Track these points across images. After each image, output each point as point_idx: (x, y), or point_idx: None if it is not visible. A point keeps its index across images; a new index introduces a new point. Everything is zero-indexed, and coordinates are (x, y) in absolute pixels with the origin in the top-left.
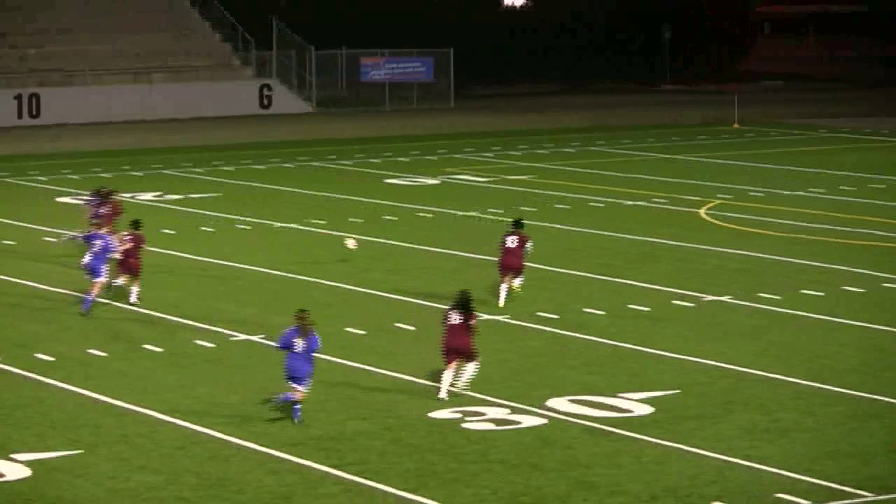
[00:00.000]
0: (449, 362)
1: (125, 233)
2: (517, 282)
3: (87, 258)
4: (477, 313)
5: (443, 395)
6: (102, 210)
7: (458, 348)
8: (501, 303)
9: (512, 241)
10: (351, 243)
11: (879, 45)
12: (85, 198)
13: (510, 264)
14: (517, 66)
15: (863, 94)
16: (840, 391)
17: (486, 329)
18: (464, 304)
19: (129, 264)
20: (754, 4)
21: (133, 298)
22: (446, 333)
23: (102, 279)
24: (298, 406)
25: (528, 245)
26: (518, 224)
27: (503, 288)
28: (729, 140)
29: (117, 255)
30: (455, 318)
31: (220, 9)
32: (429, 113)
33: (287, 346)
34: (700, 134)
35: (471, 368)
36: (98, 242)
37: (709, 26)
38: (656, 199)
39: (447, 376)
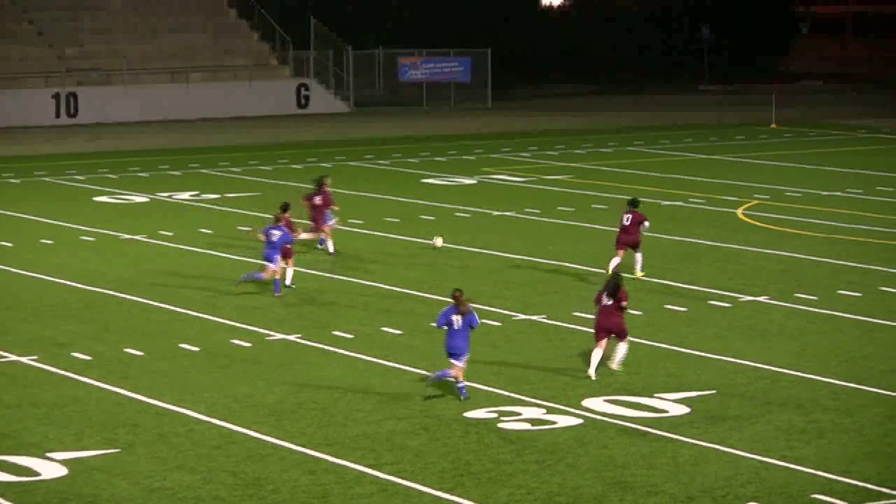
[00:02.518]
0: (598, 341)
1: (277, 218)
2: (638, 266)
3: (264, 249)
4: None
5: (591, 372)
6: (317, 199)
7: (609, 328)
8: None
9: (627, 219)
10: (438, 242)
11: None
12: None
13: (625, 241)
14: (554, 66)
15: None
16: (878, 392)
17: (523, 329)
18: (615, 286)
19: (284, 250)
20: (794, 4)
21: (288, 282)
22: (599, 314)
23: (275, 266)
24: (462, 384)
25: (646, 223)
26: (634, 203)
27: (614, 261)
28: (767, 140)
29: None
30: (607, 300)
31: (257, 8)
32: (466, 113)
33: (446, 324)
34: (738, 134)
35: (623, 348)
36: (276, 233)
37: (748, 26)
38: (694, 200)
39: (597, 354)
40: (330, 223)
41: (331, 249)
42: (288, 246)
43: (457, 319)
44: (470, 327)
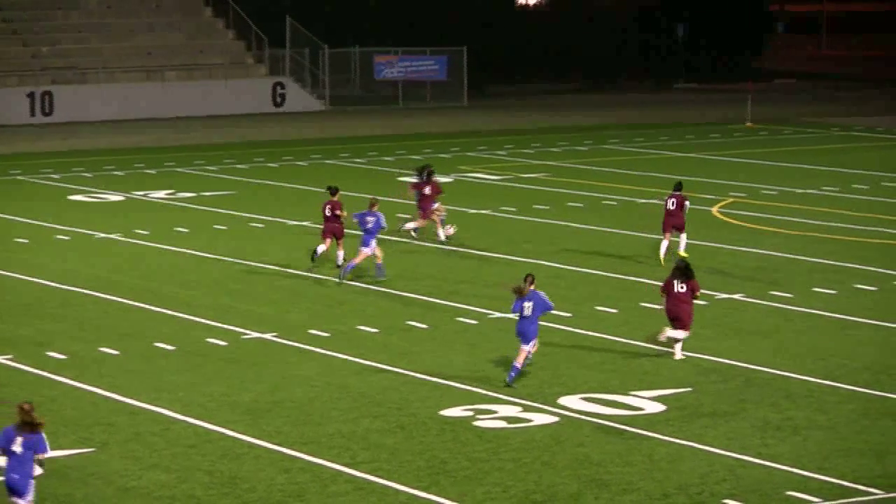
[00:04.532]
0: (675, 327)
1: (329, 202)
2: (682, 247)
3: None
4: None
5: (678, 355)
6: (427, 190)
7: (679, 315)
8: (662, 259)
9: (672, 203)
10: (451, 230)
11: (893, 44)
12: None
13: (670, 223)
14: (531, 64)
15: (877, 92)
16: (853, 389)
17: (500, 327)
18: (684, 272)
19: (333, 229)
20: (768, 3)
21: (340, 261)
22: (668, 302)
23: (369, 251)
24: (518, 366)
25: (686, 203)
26: (678, 186)
27: (664, 245)
28: (742, 138)
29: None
30: (679, 287)
31: (233, 7)
32: (442, 111)
33: (517, 311)
34: (713, 132)
35: (681, 335)
36: (370, 219)
37: (724, 25)
38: (652, 200)
39: (663, 336)
40: (434, 207)
41: (442, 236)
42: (339, 226)
43: (528, 306)
44: (544, 311)
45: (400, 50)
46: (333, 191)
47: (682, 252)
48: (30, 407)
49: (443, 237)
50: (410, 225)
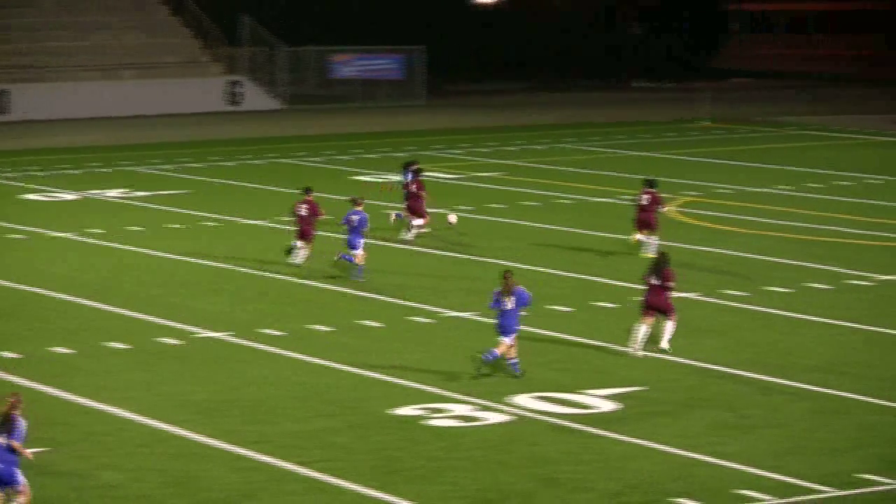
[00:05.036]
0: (644, 317)
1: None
2: (651, 249)
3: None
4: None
5: (635, 347)
6: (414, 188)
7: (656, 306)
8: (638, 253)
9: (645, 199)
10: (452, 218)
11: (849, 44)
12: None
13: (643, 219)
14: (488, 63)
15: (831, 92)
16: (805, 387)
17: (454, 326)
18: (660, 266)
19: (306, 229)
20: (727, 2)
21: (299, 260)
22: (646, 293)
23: (359, 251)
24: (514, 360)
25: (662, 205)
26: (651, 183)
27: (639, 240)
28: (698, 137)
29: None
30: (655, 280)
31: (190, 6)
32: (400, 110)
33: (497, 306)
34: (669, 131)
35: (670, 326)
36: (355, 217)
37: (681, 24)
38: (625, 196)
39: (641, 330)
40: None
41: (408, 236)
42: (311, 227)
43: (508, 300)
44: (524, 305)
45: (358, 49)
46: (308, 191)
47: (649, 254)
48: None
49: (408, 237)
50: (417, 222)
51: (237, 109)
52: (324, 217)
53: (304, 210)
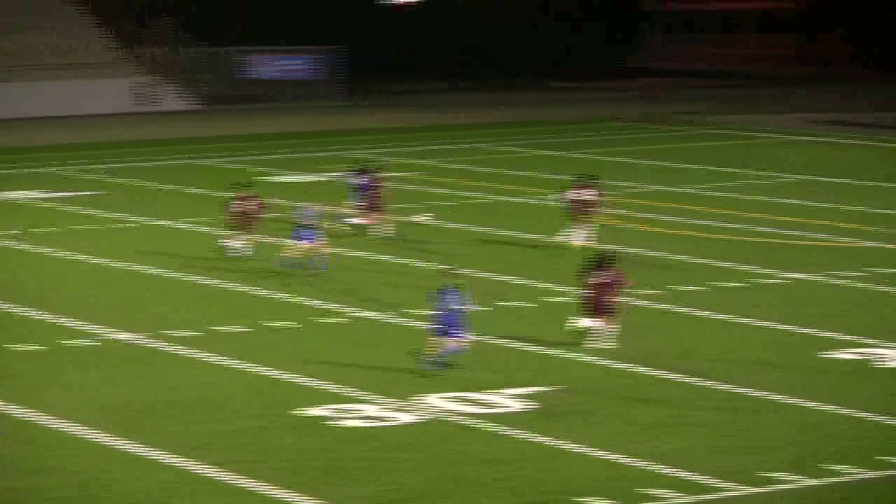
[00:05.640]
0: (588, 313)
1: (240, 194)
2: (582, 238)
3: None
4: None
5: (600, 344)
6: (364, 181)
7: (599, 304)
8: (575, 246)
9: (583, 194)
10: (421, 218)
11: (768, 43)
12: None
13: (579, 211)
14: (410, 64)
15: (749, 91)
16: (717, 387)
17: (363, 326)
18: (601, 264)
19: (246, 223)
20: (648, 2)
21: (230, 253)
22: (589, 290)
23: (307, 244)
24: (440, 358)
25: (602, 200)
26: (589, 178)
27: (573, 233)
28: (616, 136)
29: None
30: (597, 277)
31: (106, 6)
32: (319, 111)
33: (437, 303)
34: (588, 131)
35: (607, 327)
36: (305, 214)
37: (602, 24)
38: (543, 196)
39: (589, 325)
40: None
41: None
42: (252, 217)
43: (451, 299)
44: (460, 305)
45: (276, 49)
46: (247, 187)
47: (578, 243)
48: None
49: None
50: (363, 221)
51: (153, 110)
52: (262, 215)
53: (245, 205)
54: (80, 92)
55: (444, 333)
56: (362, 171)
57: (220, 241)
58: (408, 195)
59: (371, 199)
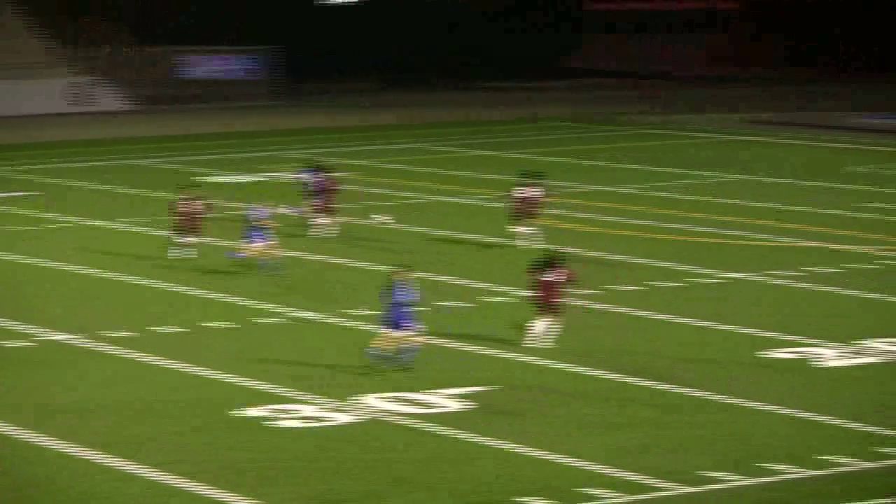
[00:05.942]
0: (541, 312)
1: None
2: (529, 237)
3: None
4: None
5: (536, 344)
6: (317, 180)
7: (547, 302)
8: (518, 244)
9: (527, 192)
10: (381, 218)
11: (703, 43)
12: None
13: (523, 211)
14: (344, 64)
15: (689, 92)
16: (653, 386)
17: (301, 326)
18: (550, 262)
19: (194, 224)
20: (582, 2)
21: (176, 253)
22: (538, 288)
23: (260, 245)
24: (385, 353)
25: (543, 199)
26: (534, 176)
27: (519, 232)
28: (552, 137)
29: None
30: (546, 275)
31: (39, 5)
32: (255, 111)
33: (389, 299)
34: (524, 131)
35: (553, 325)
36: (256, 214)
37: (540, 23)
38: (477, 196)
39: (539, 326)
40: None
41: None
42: (198, 218)
43: (399, 292)
44: (409, 300)
45: (212, 49)
46: (194, 188)
47: (523, 243)
48: None
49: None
50: (323, 220)
51: (88, 110)
52: (205, 214)
53: (191, 206)
54: (16, 92)
55: (396, 326)
56: (317, 170)
57: (174, 239)
58: (346, 195)
59: (325, 199)
